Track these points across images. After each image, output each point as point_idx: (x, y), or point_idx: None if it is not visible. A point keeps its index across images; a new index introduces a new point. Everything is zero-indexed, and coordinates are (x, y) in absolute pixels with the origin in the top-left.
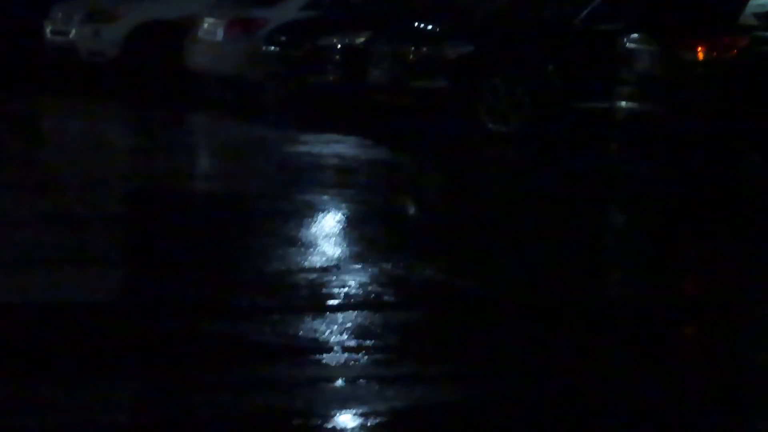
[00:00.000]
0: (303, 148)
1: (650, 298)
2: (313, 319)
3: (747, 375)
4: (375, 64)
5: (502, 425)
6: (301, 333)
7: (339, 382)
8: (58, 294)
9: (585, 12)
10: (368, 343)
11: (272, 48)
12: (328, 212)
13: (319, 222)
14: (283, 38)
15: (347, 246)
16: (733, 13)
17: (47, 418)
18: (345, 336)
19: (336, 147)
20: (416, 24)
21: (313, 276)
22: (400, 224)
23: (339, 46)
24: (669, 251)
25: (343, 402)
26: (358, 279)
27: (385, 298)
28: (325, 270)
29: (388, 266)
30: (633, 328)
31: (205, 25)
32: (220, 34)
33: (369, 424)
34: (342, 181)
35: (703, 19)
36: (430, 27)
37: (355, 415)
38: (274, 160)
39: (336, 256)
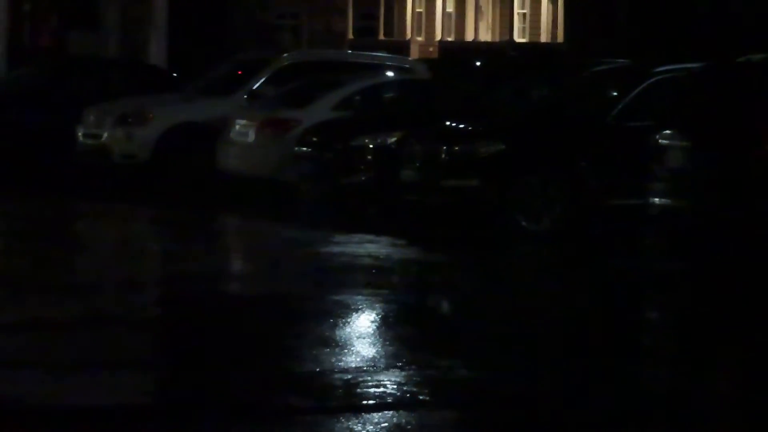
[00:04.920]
0: (336, 249)
1: (688, 395)
2: (349, 419)
3: None
4: (407, 164)
5: None
6: None
7: None
8: (92, 397)
9: (617, 109)
10: None
11: (304, 149)
12: (362, 312)
13: (353, 322)
14: (314, 139)
15: (381, 346)
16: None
17: None
18: None
19: (369, 247)
20: (448, 123)
21: (348, 376)
22: (434, 324)
23: (371, 146)
24: (704, 350)
25: None
26: (393, 379)
27: (420, 397)
28: (359, 370)
29: (422, 366)
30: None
31: (237, 127)
32: (251, 135)
33: None
34: (375, 281)
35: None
36: (461, 126)
37: None
38: (307, 261)
39: (370, 356)
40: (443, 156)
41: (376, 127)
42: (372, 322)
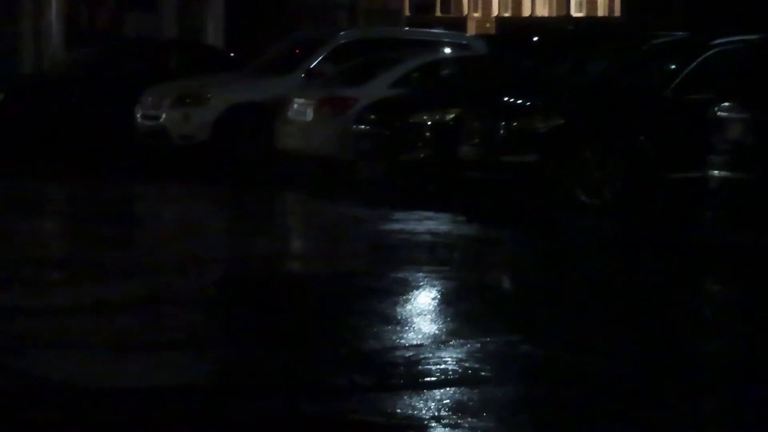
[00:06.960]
0: (396, 226)
1: (745, 366)
2: (411, 396)
3: None
4: (465, 140)
5: None
6: (399, 410)
7: None
8: (154, 378)
9: (675, 82)
10: (467, 419)
11: (362, 127)
12: (423, 289)
13: (414, 299)
14: (372, 117)
15: (443, 323)
16: None
17: None
18: (443, 413)
19: (429, 224)
20: (506, 99)
21: (410, 353)
22: (495, 300)
23: (429, 123)
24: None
25: None
26: (454, 355)
27: (482, 374)
28: (421, 347)
29: (484, 342)
30: (732, 398)
31: (295, 106)
32: (309, 114)
33: None
34: (436, 258)
35: None
36: (519, 101)
37: None
38: (368, 239)
39: (432, 332)
40: (501, 132)
41: (434, 103)
42: (433, 298)
